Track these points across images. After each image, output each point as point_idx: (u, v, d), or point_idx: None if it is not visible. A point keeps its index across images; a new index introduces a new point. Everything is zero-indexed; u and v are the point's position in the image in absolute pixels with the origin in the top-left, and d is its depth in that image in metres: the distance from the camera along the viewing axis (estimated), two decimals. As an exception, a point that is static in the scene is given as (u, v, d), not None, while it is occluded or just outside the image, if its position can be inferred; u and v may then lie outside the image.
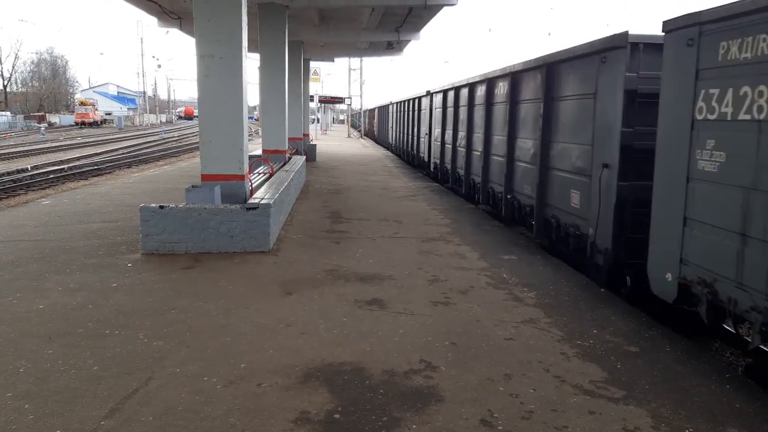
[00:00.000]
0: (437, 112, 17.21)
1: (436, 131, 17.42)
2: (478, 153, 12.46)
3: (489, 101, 11.64)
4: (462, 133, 14.10)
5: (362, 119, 60.72)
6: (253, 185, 9.80)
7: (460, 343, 5.08)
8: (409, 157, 24.60)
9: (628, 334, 5.39)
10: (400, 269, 7.47)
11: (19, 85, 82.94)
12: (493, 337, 5.24)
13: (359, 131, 60.17)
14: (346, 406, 3.93)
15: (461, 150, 14.21)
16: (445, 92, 16.09)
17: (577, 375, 4.50)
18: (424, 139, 20.31)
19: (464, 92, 13.94)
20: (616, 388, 4.29)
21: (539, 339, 5.23)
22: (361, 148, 37.16)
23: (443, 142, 16.32)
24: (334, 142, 42.55)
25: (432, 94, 18.11)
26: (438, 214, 11.98)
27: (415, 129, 22.58)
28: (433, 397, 4.10)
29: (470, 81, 13.28)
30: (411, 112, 23.56)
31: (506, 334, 5.34)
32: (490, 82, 11.61)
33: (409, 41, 23.12)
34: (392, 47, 24.05)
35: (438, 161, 17.27)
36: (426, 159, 19.70)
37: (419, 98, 21.49)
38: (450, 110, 15.38)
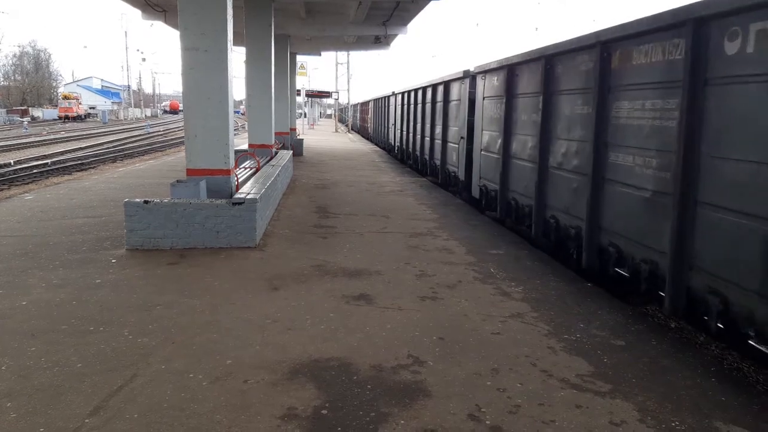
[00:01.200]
0: (489, 106, 11.01)
1: (489, 136, 11.02)
2: (648, 195, 5.81)
3: (697, 73, 5.05)
4: (566, 145, 7.68)
5: (350, 114, 59.76)
6: (239, 180, 9.73)
7: (447, 338, 5.07)
8: (427, 169, 17.61)
9: (614, 328, 5.42)
10: (387, 264, 7.45)
11: (1, 79, 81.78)
12: (480, 332, 5.24)
13: (347, 126, 59.97)
14: (334, 402, 3.92)
15: (568, 178, 7.63)
16: (511, 68, 9.68)
17: (564, 369, 4.52)
18: (456, 147, 13.63)
19: (580, 62, 7.31)
20: (602, 382, 4.31)
21: (526, 333, 5.25)
22: (349, 142, 37.08)
23: (508, 157, 9.79)
24: (322, 136, 42.41)
25: (477, 75, 11.93)
26: (426, 209, 11.98)
27: (438, 130, 15.67)
28: (421, 392, 4.10)
29: (603, 37, 6.67)
30: (429, 105, 16.75)
31: (494, 328, 5.34)
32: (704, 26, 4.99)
33: (396, 35, 23.01)
34: (379, 41, 23.93)
35: (494, 185, 10.59)
36: (462, 177, 13.07)
37: (447, 84, 14.62)
38: (527, 102, 9.02)
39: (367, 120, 42.70)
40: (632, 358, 4.78)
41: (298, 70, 32.68)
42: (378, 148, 31.34)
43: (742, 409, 4.00)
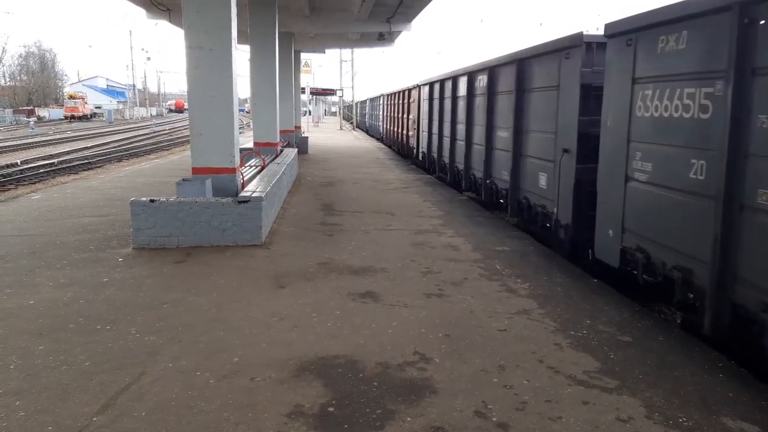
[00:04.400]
0: None
1: None
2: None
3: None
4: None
5: (356, 111, 59.17)
6: (245, 178, 9.74)
7: (453, 335, 5.07)
8: None
9: (620, 324, 5.41)
10: (393, 262, 7.45)
11: (7, 79, 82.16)
12: (486, 329, 5.24)
13: (351, 123, 59.85)
14: (340, 399, 3.92)
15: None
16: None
17: (571, 365, 4.51)
18: None
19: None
20: (609, 378, 4.30)
21: (532, 330, 5.24)
22: (353, 140, 37.07)
23: None
24: (326, 134, 42.42)
25: None
26: (431, 206, 11.97)
27: None
28: (428, 389, 4.10)
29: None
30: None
31: (500, 325, 5.34)
32: None
33: (400, 32, 23.00)
34: (383, 38, 23.90)
35: None
36: None
37: None
38: None
39: (406, 124, 22.31)
40: (639, 354, 4.77)
41: (302, 68, 32.67)
42: (383, 145, 31.05)
43: (750, 404, 3.98)
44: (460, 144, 13.16)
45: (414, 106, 20.30)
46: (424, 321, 5.40)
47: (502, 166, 10.35)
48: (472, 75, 12.15)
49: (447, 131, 14.54)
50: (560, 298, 6.13)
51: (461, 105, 12.95)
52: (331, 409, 3.80)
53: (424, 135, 18.13)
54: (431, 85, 16.54)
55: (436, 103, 15.86)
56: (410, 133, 21.35)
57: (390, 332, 5.12)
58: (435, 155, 16.28)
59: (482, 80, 11.26)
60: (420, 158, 19.15)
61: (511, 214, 9.99)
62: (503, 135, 10.19)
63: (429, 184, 15.42)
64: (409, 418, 3.70)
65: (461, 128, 13.01)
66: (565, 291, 6.40)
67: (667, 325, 5.46)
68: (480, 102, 11.55)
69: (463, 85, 12.78)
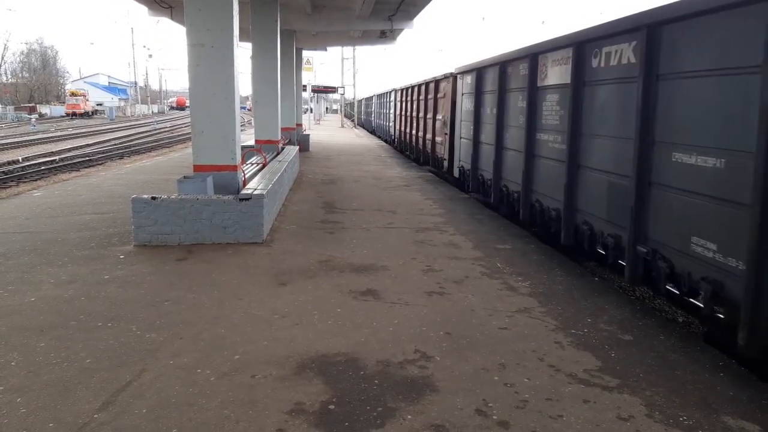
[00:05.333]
0: None
1: None
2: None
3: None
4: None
5: (357, 109, 58.87)
6: (246, 176, 9.74)
7: (454, 333, 5.07)
8: None
9: (622, 323, 5.41)
10: (394, 259, 7.45)
11: (9, 76, 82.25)
12: (487, 327, 5.24)
13: (353, 121, 59.75)
14: (341, 397, 3.92)
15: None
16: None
17: (572, 364, 4.51)
18: None
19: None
20: (610, 377, 4.30)
21: (533, 328, 5.24)
22: (355, 138, 37.05)
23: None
24: (328, 131, 42.39)
25: None
26: (432, 203, 11.96)
27: None
28: (428, 387, 4.10)
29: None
30: None
31: (501, 323, 5.34)
32: None
33: (402, 30, 22.94)
34: (385, 36, 23.86)
35: None
36: None
37: None
38: None
39: (431, 126, 17.31)
40: (640, 352, 4.77)
41: (304, 66, 32.64)
42: (384, 143, 31.06)
43: (750, 403, 3.98)
44: (549, 165, 8.26)
45: (444, 103, 15.24)
46: (425, 319, 5.40)
47: (686, 225, 5.18)
48: (582, 47, 7.12)
49: (514, 142, 9.69)
50: (561, 297, 6.13)
51: (552, 100, 8.14)
52: (331, 406, 3.80)
53: (464, 144, 13.05)
54: (480, 71, 11.60)
55: (488, 98, 11.20)
56: (438, 139, 16.17)
57: (391, 330, 5.12)
58: (487, 175, 11.29)
59: (613, 54, 6.46)
60: (457, 175, 13.80)
61: (746, 347, 4.41)
62: (699, 162, 4.95)
63: (430, 182, 15.41)
64: (409, 416, 3.70)
65: (549, 139, 8.21)
66: (566, 289, 6.39)
67: (669, 324, 5.45)
68: (606, 94, 6.69)
69: (557, 66, 8.01)
